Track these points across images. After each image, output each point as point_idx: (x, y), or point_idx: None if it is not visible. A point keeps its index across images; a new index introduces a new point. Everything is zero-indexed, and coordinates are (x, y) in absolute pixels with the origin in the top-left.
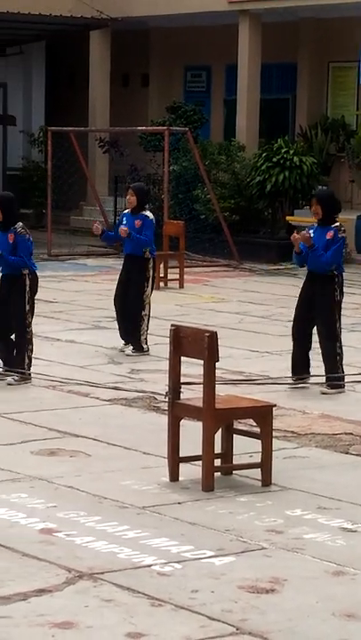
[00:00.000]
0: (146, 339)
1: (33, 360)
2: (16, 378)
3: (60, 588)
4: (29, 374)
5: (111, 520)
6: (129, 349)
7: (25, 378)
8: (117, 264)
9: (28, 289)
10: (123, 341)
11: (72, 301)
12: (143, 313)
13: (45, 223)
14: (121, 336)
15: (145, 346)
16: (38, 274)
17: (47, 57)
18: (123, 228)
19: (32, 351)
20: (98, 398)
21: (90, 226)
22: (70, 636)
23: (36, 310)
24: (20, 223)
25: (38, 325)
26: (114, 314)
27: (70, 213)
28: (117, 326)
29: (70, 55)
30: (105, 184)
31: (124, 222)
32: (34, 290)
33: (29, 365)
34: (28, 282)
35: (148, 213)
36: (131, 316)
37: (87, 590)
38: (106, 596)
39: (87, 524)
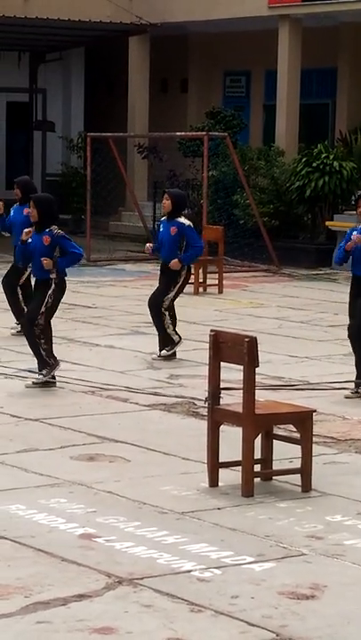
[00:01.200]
0: (174, 330)
1: (73, 365)
2: (35, 380)
3: (99, 594)
4: (48, 376)
5: (151, 525)
6: (164, 351)
7: (47, 381)
8: (156, 269)
9: (50, 291)
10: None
11: (111, 307)
12: (163, 309)
13: (84, 229)
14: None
15: (176, 337)
16: (78, 279)
17: (86, 63)
18: (174, 262)
19: (48, 351)
20: (137, 404)
21: (129, 231)
22: None
23: (74, 315)
24: (55, 226)
25: (77, 331)
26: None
27: (109, 219)
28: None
29: (109, 61)
30: (144, 189)
31: (161, 229)
32: (57, 293)
33: (53, 365)
34: (53, 286)
35: (183, 220)
36: (154, 314)
37: (127, 596)
38: (145, 602)
39: (127, 529)
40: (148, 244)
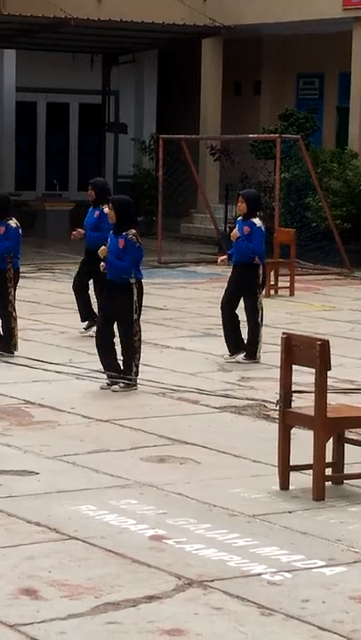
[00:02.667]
0: (260, 348)
1: (144, 367)
2: (122, 385)
3: (169, 595)
4: (136, 381)
5: (221, 528)
6: (239, 357)
7: (130, 385)
8: (227, 271)
9: (135, 297)
10: (228, 352)
11: (182, 308)
12: (259, 319)
13: (156, 230)
14: (228, 347)
15: (258, 355)
16: (149, 281)
17: (159, 65)
18: (233, 233)
19: (139, 359)
20: (208, 406)
21: (200, 233)
22: None
23: (146, 317)
24: (133, 230)
25: (148, 332)
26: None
27: (181, 221)
28: (223, 334)
29: (182, 63)
30: (216, 192)
31: (237, 227)
32: (140, 298)
33: (137, 373)
34: (135, 291)
35: (256, 221)
36: (249, 325)
37: (197, 598)
38: (215, 604)
39: (197, 531)
40: (221, 258)
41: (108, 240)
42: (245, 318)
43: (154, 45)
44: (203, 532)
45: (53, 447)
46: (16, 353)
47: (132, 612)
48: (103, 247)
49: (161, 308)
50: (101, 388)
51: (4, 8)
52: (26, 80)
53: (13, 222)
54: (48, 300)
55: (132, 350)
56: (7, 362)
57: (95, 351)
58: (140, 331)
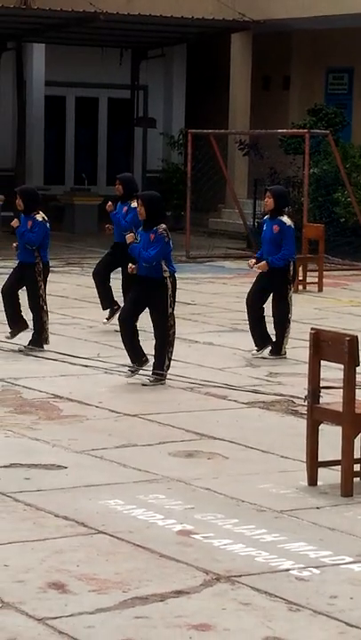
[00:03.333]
0: (286, 344)
1: (171, 361)
2: (151, 379)
3: (197, 590)
4: (165, 376)
5: (249, 523)
6: (266, 352)
7: (160, 379)
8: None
9: (170, 292)
10: (256, 347)
11: (210, 303)
12: (289, 316)
13: (184, 225)
14: (255, 342)
15: (284, 351)
16: (177, 276)
17: (188, 59)
18: (262, 264)
19: (172, 353)
20: (235, 401)
21: (228, 229)
22: (207, 638)
23: (174, 312)
24: (164, 225)
25: (176, 327)
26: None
27: (209, 216)
28: (250, 331)
29: (211, 58)
30: (244, 187)
31: (265, 228)
32: (174, 292)
33: (168, 367)
34: (169, 284)
35: (285, 219)
36: (277, 321)
37: (225, 593)
38: (243, 600)
39: (225, 526)
40: (251, 261)
41: (139, 236)
42: (271, 313)
43: (183, 40)
44: (230, 527)
45: (81, 441)
46: (45, 347)
47: (159, 606)
48: (131, 233)
49: (189, 303)
50: (126, 377)
51: (34, 2)
52: (55, 74)
53: (40, 216)
54: (76, 295)
55: (167, 343)
56: (36, 356)
57: (123, 346)
58: (174, 324)
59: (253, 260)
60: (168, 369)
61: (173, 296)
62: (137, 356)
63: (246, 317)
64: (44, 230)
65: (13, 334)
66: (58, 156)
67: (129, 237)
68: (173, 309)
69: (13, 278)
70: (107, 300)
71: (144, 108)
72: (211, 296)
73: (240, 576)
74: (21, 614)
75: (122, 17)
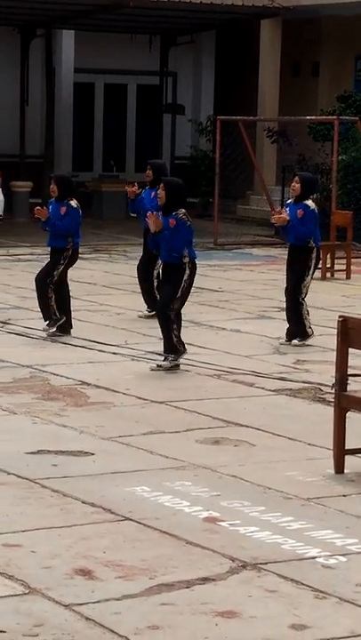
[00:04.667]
0: (310, 324)
1: (198, 349)
2: (170, 358)
3: (223, 577)
4: (177, 359)
5: (275, 510)
6: (295, 340)
7: (180, 354)
8: (283, 254)
9: (186, 277)
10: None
11: (237, 291)
12: (301, 299)
13: (212, 212)
14: (286, 333)
15: (309, 330)
16: (205, 263)
17: (217, 46)
18: (280, 217)
19: (178, 330)
20: (263, 388)
21: (256, 215)
22: (234, 625)
23: (201, 299)
24: (183, 210)
25: (203, 314)
26: (279, 304)
27: (237, 202)
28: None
29: (240, 44)
30: (272, 173)
31: (287, 210)
32: (192, 278)
33: (180, 343)
34: (187, 270)
35: (309, 203)
36: (291, 306)
37: (251, 580)
38: (270, 587)
39: (251, 513)
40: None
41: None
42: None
43: (212, 26)
44: (257, 514)
45: (108, 428)
46: (72, 334)
47: (185, 593)
48: (156, 219)
49: (216, 290)
50: (151, 370)
51: None
52: (84, 61)
53: (74, 202)
54: (104, 282)
55: (169, 322)
56: (63, 343)
57: (151, 333)
58: (175, 307)
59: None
60: (182, 346)
61: (190, 281)
62: (172, 348)
63: (274, 304)
64: (76, 217)
65: (50, 325)
66: (86, 143)
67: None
68: (183, 297)
69: (46, 266)
70: (150, 296)
71: (173, 95)
72: (238, 283)
73: (266, 563)
74: (48, 600)
75: (151, 3)
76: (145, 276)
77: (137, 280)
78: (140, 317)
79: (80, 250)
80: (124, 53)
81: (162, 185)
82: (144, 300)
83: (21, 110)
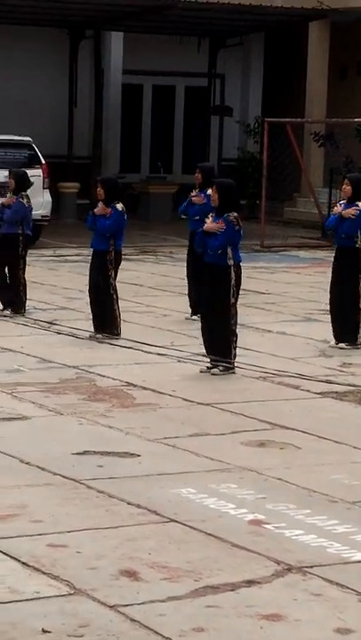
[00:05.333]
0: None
1: (245, 351)
2: (221, 368)
3: (268, 580)
4: (234, 365)
5: (320, 514)
6: (343, 343)
7: (229, 368)
8: (329, 256)
9: (233, 282)
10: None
11: (284, 293)
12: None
13: (259, 214)
14: (334, 336)
15: (359, 340)
16: (251, 265)
17: (266, 48)
18: (347, 211)
19: (236, 342)
20: (308, 391)
21: (303, 218)
22: (279, 628)
23: (247, 301)
24: (235, 213)
25: (249, 316)
26: (326, 307)
27: (284, 205)
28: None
29: (288, 46)
30: (320, 176)
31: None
32: (238, 281)
33: (235, 355)
34: (233, 274)
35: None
36: (344, 311)
37: (296, 583)
38: (315, 590)
39: (296, 516)
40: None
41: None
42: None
43: (261, 28)
44: (302, 517)
45: (154, 430)
46: (119, 335)
47: (230, 596)
48: (210, 224)
49: (263, 293)
50: (201, 372)
51: None
52: (132, 63)
53: (120, 206)
54: (151, 283)
55: (230, 333)
56: (110, 344)
57: (197, 334)
58: (236, 314)
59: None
60: (235, 357)
61: (238, 286)
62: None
63: (320, 307)
64: (121, 220)
65: (97, 333)
66: (134, 145)
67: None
68: (236, 299)
69: (92, 273)
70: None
71: (221, 97)
72: (285, 285)
73: (311, 567)
74: (93, 601)
75: (200, 5)
76: (192, 280)
77: (185, 282)
78: (187, 319)
79: (126, 251)
80: (173, 55)
81: (215, 187)
82: (193, 302)
83: (70, 112)
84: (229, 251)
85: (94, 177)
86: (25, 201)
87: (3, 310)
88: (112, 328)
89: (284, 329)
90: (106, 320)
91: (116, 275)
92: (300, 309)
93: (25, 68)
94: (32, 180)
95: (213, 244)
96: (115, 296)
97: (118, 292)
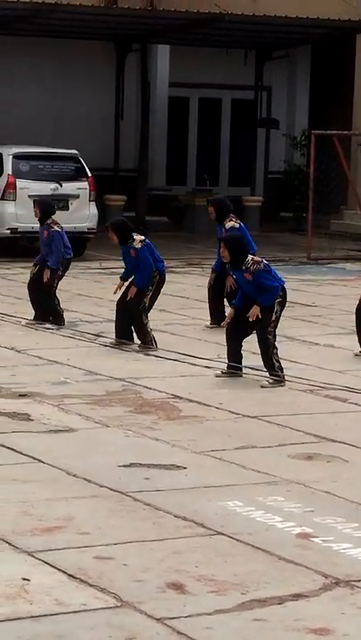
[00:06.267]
0: None
1: (291, 363)
2: (270, 381)
3: (316, 594)
4: (283, 377)
5: None
6: None
7: (279, 381)
8: None
9: (277, 308)
10: None
11: (331, 305)
12: None
13: (305, 227)
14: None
15: None
16: (298, 277)
17: (312, 60)
18: None
19: (277, 354)
20: (356, 404)
21: (350, 230)
22: None
23: (294, 314)
24: (250, 257)
25: (296, 329)
26: None
27: (331, 217)
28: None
29: (335, 58)
30: None
31: None
32: (283, 304)
33: (280, 368)
34: (277, 306)
35: None
36: None
37: (344, 597)
38: None
39: (344, 530)
40: None
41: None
42: None
43: (307, 41)
44: (350, 531)
45: (200, 442)
46: (165, 347)
47: (278, 609)
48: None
49: (310, 305)
50: (216, 376)
51: (159, 3)
52: (179, 75)
53: (137, 242)
54: (197, 296)
55: (269, 346)
56: (156, 356)
57: (242, 347)
58: (274, 329)
59: None
60: (281, 370)
61: (282, 305)
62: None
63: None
64: (147, 254)
65: (115, 343)
66: (180, 157)
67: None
68: (278, 318)
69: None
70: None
71: (267, 109)
72: (332, 298)
73: (360, 581)
74: (140, 614)
75: (247, 17)
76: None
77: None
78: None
79: (172, 263)
80: (219, 68)
81: (223, 244)
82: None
83: (116, 124)
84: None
85: (141, 189)
86: (55, 228)
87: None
88: (146, 342)
89: (332, 341)
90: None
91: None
92: (348, 322)
93: (72, 81)
94: (78, 192)
95: (264, 298)
96: (144, 313)
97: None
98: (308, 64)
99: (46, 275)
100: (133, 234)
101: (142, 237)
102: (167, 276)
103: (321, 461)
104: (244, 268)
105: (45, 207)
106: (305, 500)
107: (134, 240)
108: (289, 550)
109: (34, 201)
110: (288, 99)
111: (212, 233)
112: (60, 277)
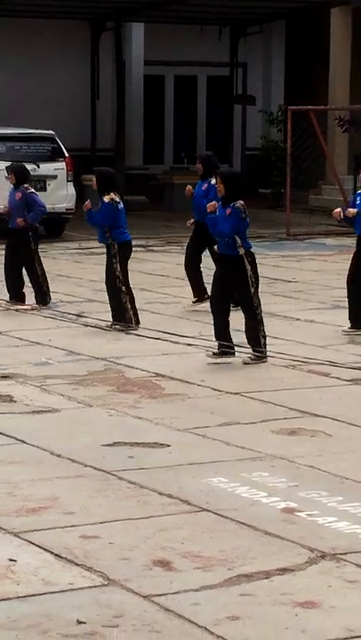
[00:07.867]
0: None
1: (273, 339)
2: (252, 357)
3: (302, 568)
4: (265, 354)
5: (353, 501)
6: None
7: (261, 357)
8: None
9: (249, 272)
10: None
11: (311, 281)
12: None
13: (284, 203)
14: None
15: None
16: (277, 253)
17: (287, 35)
18: (349, 211)
19: (264, 331)
20: (338, 378)
21: (329, 205)
22: (314, 615)
23: (275, 290)
24: (241, 201)
25: (277, 305)
26: None
27: (309, 193)
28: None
29: (310, 33)
30: (344, 163)
31: (358, 202)
32: (254, 269)
33: (265, 345)
34: (247, 263)
35: None
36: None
37: (330, 571)
38: (349, 577)
39: (329, 504)
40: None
41: (217, 212)
42: None
43: (282, 16)
44: (335, 504)
45: (184, 420)
46: (145, 326)
47: (264, 584)
48: (213, 202)
49: (290, 281)
50: (207, 356)
51: None
52: (154, 54)
53: (107, 198)
54: (177, 274)
55: (256, 322)
56: (137, 335)
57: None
58: (260, 303)
59: (338, 210)
60: (265, 347)
61: (255, 274)
62: (257, 342)
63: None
64: (110, 211)
65: (113, 325)
66: (157, 136)
67: (210, 206)
68: (257, 288)
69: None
70: (198, 289)
71: (243, 86)
72: (312, 273)
73: (345, 554)
74: (127, 591)
75: None
76: (194, 270)
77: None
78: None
79: (151, 242)
80: (194, 45)
81: (219, 178)
82: (193, 292)
83: (92, 104)
84: (238, 239)
85: (118, 169)
86: (32, 190)
87: (9, 302)
88: (125, 321)
89: (312, 317)
90: (119, 312)
91: (122, 267)
92: (328, 297)
93: (46, 62)
94: (56, 173)
95: (222, 232)
96: (123, 289)
97: (130, 284)
98: (283, 40)
99: (22, 221)
100: (112, 192)
101: (117, 199)
102: (147, 254)
103: (305, 436)
104: (230, 205)
105: (20, 172)
106: (289, 474)
107: (108, 195)
108: (274, 525)
109: (6, 167)
110: (264, 75)
111: (191, 211)
112: (37, 245)
